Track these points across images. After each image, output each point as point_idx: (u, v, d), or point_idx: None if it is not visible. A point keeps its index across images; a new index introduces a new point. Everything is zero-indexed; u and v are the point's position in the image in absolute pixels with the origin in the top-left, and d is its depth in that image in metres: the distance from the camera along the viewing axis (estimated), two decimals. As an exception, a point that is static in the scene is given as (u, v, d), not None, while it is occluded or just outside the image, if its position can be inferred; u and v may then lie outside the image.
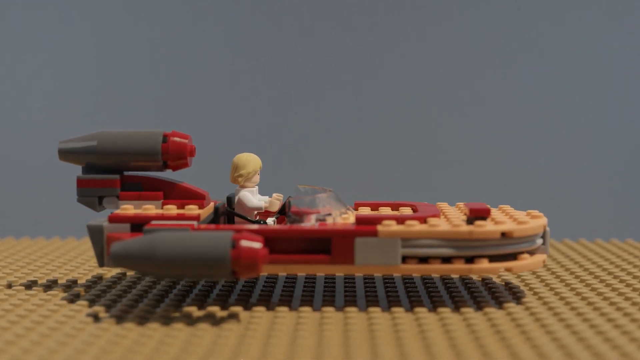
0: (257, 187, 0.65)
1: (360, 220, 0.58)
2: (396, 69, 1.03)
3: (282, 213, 0.65)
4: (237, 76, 1.05)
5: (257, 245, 0.54)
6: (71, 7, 1.05)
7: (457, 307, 0.58)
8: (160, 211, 0.61)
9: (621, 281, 0.66)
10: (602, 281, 0.66)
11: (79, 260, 0.76)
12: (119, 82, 1.06)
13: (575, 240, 0.89)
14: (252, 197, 0.64)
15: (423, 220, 0.58)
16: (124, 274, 0.69)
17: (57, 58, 1.06)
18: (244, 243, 0.53)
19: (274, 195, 0.65)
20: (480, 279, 0.67)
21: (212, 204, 0.64)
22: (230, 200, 0.65)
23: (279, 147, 1.04)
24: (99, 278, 0.67)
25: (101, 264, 0.59)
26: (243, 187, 0.64)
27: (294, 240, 0.58)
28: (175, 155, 0.62)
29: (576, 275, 0.68)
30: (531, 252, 0.60)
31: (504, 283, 0.65)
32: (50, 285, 0.65)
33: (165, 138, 0.62)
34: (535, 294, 0.62)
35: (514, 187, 1.02)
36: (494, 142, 1.03)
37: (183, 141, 0.62)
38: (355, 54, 1.03)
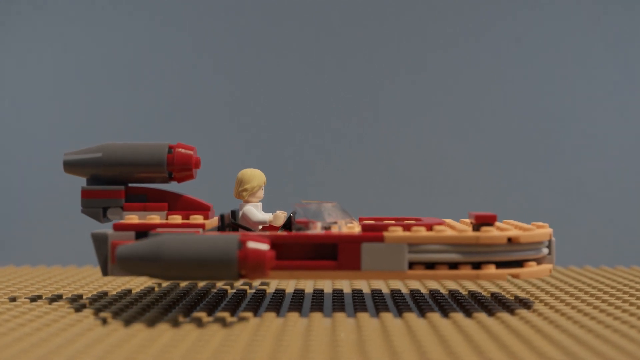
0: (261, 202, 0.65)
1: (366, 227, 0.58)
2: (399, 95, 1.04)
3: (287, 228, 0.65)
4: (243, 98, 1.05)
5: (264, 246, 0.53)
6: (74, 34, 1.06)
7: (468, 313, 0.57)
8: (165, 220, 0.60)
9: (631, 295, 0.66)
10: (612, 295, 0.66)
11: (83, 282, 0.76)
12: (121, 110, 1.06)
13: (581, 267, 0.88)
14: (257, 211, 0.64)
15: (429, 228, 0.58)
16: (130, 291, 0.68)
17: (58, 87, 1.06)
18: (251, 244, 0.53)
19: (278, 211, 0.65)
20: (489, 294, 0.67)
21: (216, 218, 0.64)
22: (234, 214, 0.65)
23: (282, 168, 1.05)
24: (105, 294, 0.67)
25: (105, 272, 0.58)
26: (247, 202, 0.64)
27: (300, 247, 0.57)
28: (180, 166, 0.62)
29: (585, 291, 0.68)
30: (538, 261, 0.60)
31: (513, 297, 0.65)
32: (55, 298, 0.64)
33: (170, 149, 0.62)
34: (546, 304, 0.61)
35: (516, 216, 1.02)
36: (496, 171, 1.04)
37: (188, 152, 0.62)
38: (357, 81, 1.04)
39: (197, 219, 0.60)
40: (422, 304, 0.61)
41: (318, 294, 0.67)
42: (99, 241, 0.58)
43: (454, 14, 1.04)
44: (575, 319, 0.55)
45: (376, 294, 0.67)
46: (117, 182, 0.62)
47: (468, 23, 1.03)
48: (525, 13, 1.04)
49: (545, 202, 1.03)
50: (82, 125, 1.05)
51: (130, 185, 0.63)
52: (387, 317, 0.56)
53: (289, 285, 0.74)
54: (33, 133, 1.07)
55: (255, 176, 0.64)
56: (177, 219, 0.61)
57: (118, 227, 0.58)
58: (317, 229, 0.59)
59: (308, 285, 0.74)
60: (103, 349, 0.46)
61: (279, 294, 0.66)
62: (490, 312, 0.57)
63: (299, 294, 0.66)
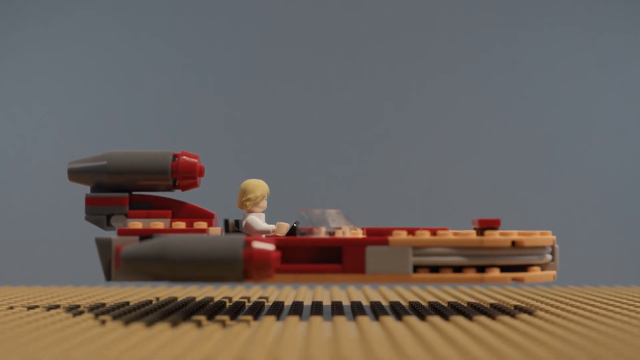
0: (264, 213, 0.65)
1: (371, 231, 0.58)
2: (400, 113, 1.05)
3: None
4: (248, 109, 1.06)
5: (269, 247, 0.53)
6: (76, 49, 1.06)
7: (470, 318, 0.57)
8: (176, 226, 0.60)
9: (630, 304, 0.65)
10: (609, 303, 0.65)
11: (79, 298, 0.75)
12: (123, 130, 1.07)
13: (580, 286, 0.88)
14: (260, 221, 0.64)
15: (433, 232, 0.58)
16: (127, 302, 0.67)
17: (60, 110, 1.07)
18: (257, 244, 0.53)
19: (281, 222, 0.65)
20: (489, 305, 0.66)
21: (219, 228, 0.64)
22: (238, 223, 0.65)
23: (285, 180, 1.05)
24: (102, 304, 0.66)
25: (108, 277, 0.58)
26: (250, 211, 0.64)
27: (305, 250, 0.57)
28: (184, 174, 0.62)
29: (584, 301, 0.68)
30: (542, 267, 0.60)
31: (513, 307, 0.65)
32: (53, 307, 0.64)
33: (175, 157, 0.62)
34: (547, 311, 0.61)
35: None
36: (494, 191, 1.04)
37: (193, 160, 0.62)
38: (360, 100, 1.05)
39: (201, 225, 0.60)
40: (422, 311, 0.60)
41: (317, 304, 0.66)
42: (103, 246, 0.58)
43: (453, 36, 1.05)
44: (577, 321, 0.54)
45: (375, 305, 0.66)
46: (121, 189, 0.62)
47: (467, 44, 1.04)
48: (523, 35, 1.05)
49: (543, 223, 1.03)
50: (83, 144, 1.06)
51: (134, 193, 0.63)
52: (388, 320, 0.55)
53: (288, 298, 0.73)
54: (33, 157, 1.07)
55: (258, 186, 0.64)
56: (181, 225, 0.60)
57: (122, 232, 0.58)
58: (321, 234, 0.59)
59: (307, 298, 0.73)
60: (100, 344, 0.45)
61: (278, 305, 0.66)
62: (492, 317, 0.57)
63: (298, 305, 0.66)
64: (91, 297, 0.75)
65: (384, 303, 0.70)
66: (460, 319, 0.55)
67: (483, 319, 0.55)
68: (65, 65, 1.07)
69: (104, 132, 1.06)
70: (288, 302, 0.71)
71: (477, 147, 1.05)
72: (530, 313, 0.59)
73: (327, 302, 0.71)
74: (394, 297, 0.75)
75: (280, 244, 0.57)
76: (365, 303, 0.70)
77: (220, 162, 1.04)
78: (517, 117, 1.05)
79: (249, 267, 0.52)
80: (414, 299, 0.73)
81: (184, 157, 0.63)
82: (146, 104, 1.06)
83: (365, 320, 0.55)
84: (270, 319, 0.55)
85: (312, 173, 1.05)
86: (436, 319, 0.55)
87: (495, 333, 0.49)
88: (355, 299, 0.73)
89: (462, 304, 0.68)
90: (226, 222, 0.63)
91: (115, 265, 0.57)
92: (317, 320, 0.55)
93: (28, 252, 1.04)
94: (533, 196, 1.04)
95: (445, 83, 1.05)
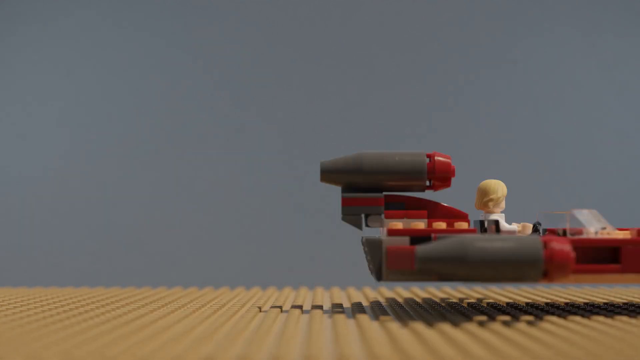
0: (503, 213, 0.65)
1: None
2: (399, 118, 1.05)
3: None
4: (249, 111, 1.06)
5: (567, 247, 0.54)
6: (74, 59, 1.07)
7: (469, 317, 0.57)
8: (437, 227, 0.60)
9: (630, 303, 0.66)
10: (609, 303, 0.65)
11: (80, 299, 0.75)
12: (123, 131, 1.07)
13: (580, 287, 0.88)
14: (504, 222, 0.64)
15: None
16: (129, 303, 0.68)
17: (64, 111, 1.07)
18: (556, 245, 0.54)
19: (524, 222, 0.65)
20: (485, 304, 0.67)
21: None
22: (482, 224, 0.65)
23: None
24: (103, 305, 0.66)
25: (379, 278, 0.58)
26: (490, 212, 0.64)
27: (580, 250, 0.58)
28: (440, 175, 0.62)
29: (583, 301, 0.68)
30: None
31: (509, 306, 0.65)
32: (54, 307, 0.64)
33: (429, 158, 0.62)
34: (546, 311, 0.61)
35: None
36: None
37: (447, 161, 0.62)
38: (358, 103, 1.05)
39: (462, 225, 0.60)
40: (421, 311, 0.61)
41: (318, 306, 0.66)
42: (373, 246, 0.58)
43: (453, 38, 1.05)
44: (577, 321, 0.55)
45: (375, 305, 0.66)
46: (373, 190, 0.62)
47: (467, 46, 1.05)
48: (524, 39, 1.06)
49: (543, 223, 1.03)
50: (83, 145, 1.06)
51: (385, 193, 0.63)
52: (388, 319, 0.55)
53: (288, 299, 0.74)
54: (32, 158, 1.07)
55: (500, 186, 0.64)
56: (442, 225, 0.60)
57: (392, 232, 0.59)
58: (590, 235, 0.59)
59: (306, 303, 0.74)
60: (101, 343, 0.46)
61: (279, 306, 0.66)
62: (491, 317, 0.57)
63: (298, 306, 0.66)
64: (92, 297, 0.75)
65: (384, 303, 0.71)
66: (459, 319, 0.55)
67: (482, 318, 0.55)
68: (65, 66, 1.07)
69: (104, 133, 1.06)
70: (288, 304, 0.71)
71: (474, 153, 1.05)
72: (529, 313, 0.59)
73: (327, 305, 0.71)
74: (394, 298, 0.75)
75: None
76: (365, 304, 0.71)
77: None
78: (517, 119, 1.05)
79: (549, 267, 0.54)
80: (413, 299, 0.73)
81: (438, 157, 0.62)
82: (147, 104, 1.06)
83: (365, 319, 0.55)
84: (272, 318, 0.56)
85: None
86: (435, 319, 0.55)
87: (494, 332, 0.49)
88: (355, 300, 0.73)
89: (461, 304, 0.68)
90: (482, 223, 0.63)
91: (387, 266, 0.57)
92: (318, 319, 0.55)
93: (28, 253, 1.05)
94: (533, 197, 1.05)
95: (445, 84, 1.05)
